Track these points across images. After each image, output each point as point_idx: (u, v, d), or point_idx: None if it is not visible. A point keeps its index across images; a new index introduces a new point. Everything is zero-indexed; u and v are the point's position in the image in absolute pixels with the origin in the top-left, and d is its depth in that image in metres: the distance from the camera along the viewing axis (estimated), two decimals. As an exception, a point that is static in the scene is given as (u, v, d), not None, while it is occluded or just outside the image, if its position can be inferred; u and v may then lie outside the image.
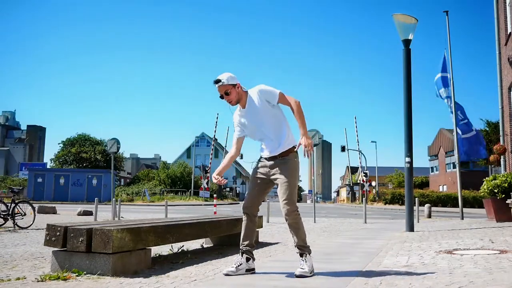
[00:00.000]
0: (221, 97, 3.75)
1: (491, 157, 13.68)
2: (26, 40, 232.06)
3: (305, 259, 3.62)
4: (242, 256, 3.70)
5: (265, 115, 3.73)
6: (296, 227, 3.66)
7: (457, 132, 13.83)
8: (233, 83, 3.72)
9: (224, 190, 50.99)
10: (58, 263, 3.79)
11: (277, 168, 3.69)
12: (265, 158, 3.78)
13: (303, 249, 3.68)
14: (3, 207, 9.54)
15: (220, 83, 3.70)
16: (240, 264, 3.67)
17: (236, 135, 3.89)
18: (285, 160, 3.70)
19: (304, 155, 3.63)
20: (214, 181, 3.83)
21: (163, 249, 5.49)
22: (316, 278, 3.51)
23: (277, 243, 6.59)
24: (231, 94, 3.72)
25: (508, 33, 13.48)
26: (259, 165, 3.81)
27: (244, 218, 3.78)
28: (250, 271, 3.70)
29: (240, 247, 3.74)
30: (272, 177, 3.72)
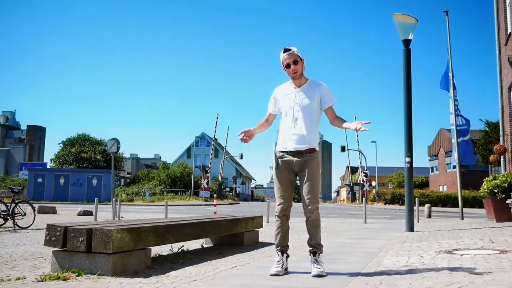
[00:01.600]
0: (288, 66, 3.77)
1: (491, 157, 13.68)
2: (26, 40, 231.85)
3: (319, 259, 3.68)
4: (283, 255, 3.76)
5: (312, 107, 3.78)
6: (317, 224, 3.72)
7: (457, 133, 13.82)
8: (301, 57, 3.78)
9: (224, 190, 50.98)
10: (58, 263, 3.79)
11: (304, 164, 3.71)
12: (289, 153, 3.73)
13: (319, 248, 3.73)
14: (3, 207, 9.54)
15: (291, 52, 3.74)
16: (283, 264, 3.72)
17: (271, 110, 3.92)
18: (312, 156, 3.74)
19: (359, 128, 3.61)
20: (239, 136, 3.86)
21: (163, 249, 5.49)
22: (316, 278, 3.51)
23: (277, 243, 6.59)
24: (299, 64, 3.76)
25: (508, 33, 13.48)
26: (284, 161, 3.75)
27: (280, 221, 3.76)
28: (286, 269, 3.77)
29: (280, 248, 3.77)
30: (300, 172, 3.74)
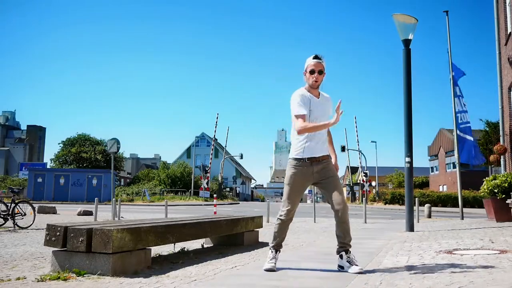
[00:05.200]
0: (312, 72, 3.78)
1: (491, 157, 13.67)
2: (26, 40, 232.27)
3: (352, 255, 3.77)
4: (276, 253, 3.93)
5: (328, 118, 3.84)
6: (348, 223, 3.79)
7: (457, 132, 13.81)
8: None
9: (224, 190, 50.97)
10: (58, 263, 3.79)
11: (327, 170, 3.82)
12: (307, 161, 3.78)
13: (349, 246, 3.80)
14: (3, 207, 9.54)
15: (322, 61, 3.79)
16: (276, 260, 3.90)
17: (307, 113, 3.78)
18: (328, 161, 3.86)
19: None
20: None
21: (163, 249, 5.49)
22: (316, 278, 3.52)
23: (277, 243, 6.58)
24: (323, 75, 3.82)
25: (508, 33, 13.48)
26: (303, 169, 3.80)
27: (286, 224, 3.89)
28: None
29: (275, 246, 3.93)
30: (322, 178, 3.81)
